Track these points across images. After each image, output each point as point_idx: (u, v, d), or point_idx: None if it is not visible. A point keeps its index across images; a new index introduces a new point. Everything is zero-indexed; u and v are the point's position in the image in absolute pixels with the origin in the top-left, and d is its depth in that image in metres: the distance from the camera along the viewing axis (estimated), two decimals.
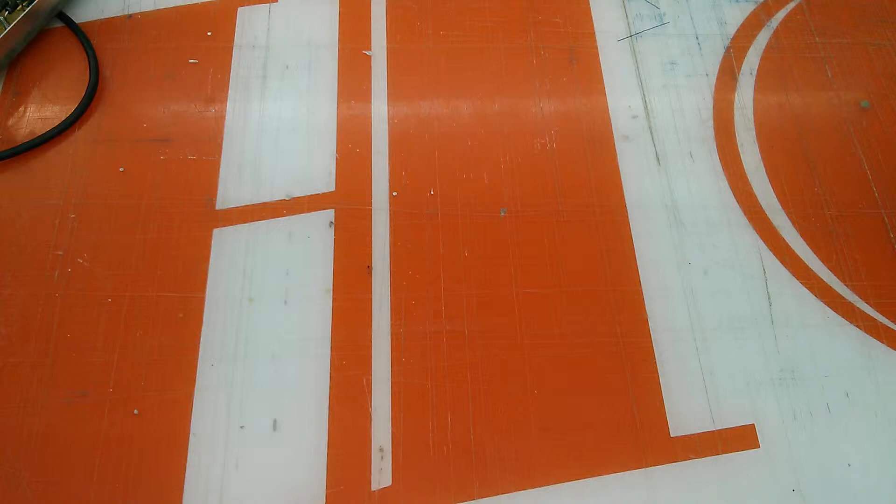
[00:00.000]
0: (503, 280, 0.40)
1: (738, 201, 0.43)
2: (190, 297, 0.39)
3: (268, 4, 0.48)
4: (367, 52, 0.47)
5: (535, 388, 0.37)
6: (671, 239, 0.42)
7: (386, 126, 0.44)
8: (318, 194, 0.42)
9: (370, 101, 0.45)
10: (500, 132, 0.44)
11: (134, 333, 0.37)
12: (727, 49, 0.48)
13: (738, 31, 0.49)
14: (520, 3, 0.49)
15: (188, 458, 0.35)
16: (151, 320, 0.38)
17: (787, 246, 0.42)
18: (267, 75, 0.45)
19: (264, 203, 0.41)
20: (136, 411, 0.36)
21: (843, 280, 0.41)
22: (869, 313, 0.40)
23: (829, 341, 0.39)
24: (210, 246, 0.40)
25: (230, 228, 0.40)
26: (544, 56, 0.47)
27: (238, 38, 0.46)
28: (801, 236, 0.42)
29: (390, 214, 0.41)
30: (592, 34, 0.48)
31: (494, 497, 0.35)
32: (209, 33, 0.46)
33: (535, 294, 0.40)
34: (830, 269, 0.41)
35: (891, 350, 0.39)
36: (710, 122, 0.46)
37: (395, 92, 0.45)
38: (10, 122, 0.43)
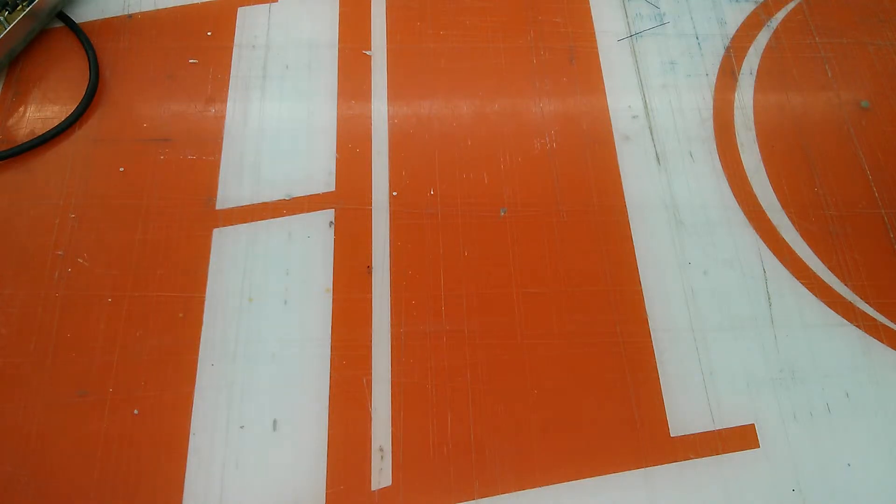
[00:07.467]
0: (503, 280, 0.40)
1: (738, 201, 0.43)
2: (190, 297, 0.39)
3: (268, 4, 0.48)
4: (367, 52, 0.47)
5: (535, 388, 0.37)
6: (671, 239, 0.42)
7: (386, 126, 0.44)
8: (318, 194, 0.42)
9: (370, 101, 0.45)
10: (500, 132, 0.44)
11: (134, 333, 0.37)
12: (727, 49, 0.48)
13: (737, 31, 0.49)
14: (520, 3, 0.49)
15: (188, 458, 0.35)
16: (151, 320, 0.38)
17: (787, 246, 0.42)
18: (267, 75, 0.45)
19: (264, 203, 0.41)
20: (136, 411, 0.36)
21: (843, 280, 0.41)
22: (869, 313, 0.40)
23: (829, 341, 0.39)
24: (210, 246, 0.40)
25: (230, 228, 0.40)
26: (544, 56, 0.47)
27: (238, 38, 0.46)
28: (801, 236, 0.42)
29: (390, 214, 0.41)
30: (592, 34, 0.48)
31: (494, 497, 0.35)
32: (209, 33, 0.46)
33: (535, 294, 0.40)
34: (830, 269, 0.41)
35: (891, 350, 0.39)
36: (710, 122, 0.46)
37: (395, 92, 0.45)
38: (10, 122, 0.43)
